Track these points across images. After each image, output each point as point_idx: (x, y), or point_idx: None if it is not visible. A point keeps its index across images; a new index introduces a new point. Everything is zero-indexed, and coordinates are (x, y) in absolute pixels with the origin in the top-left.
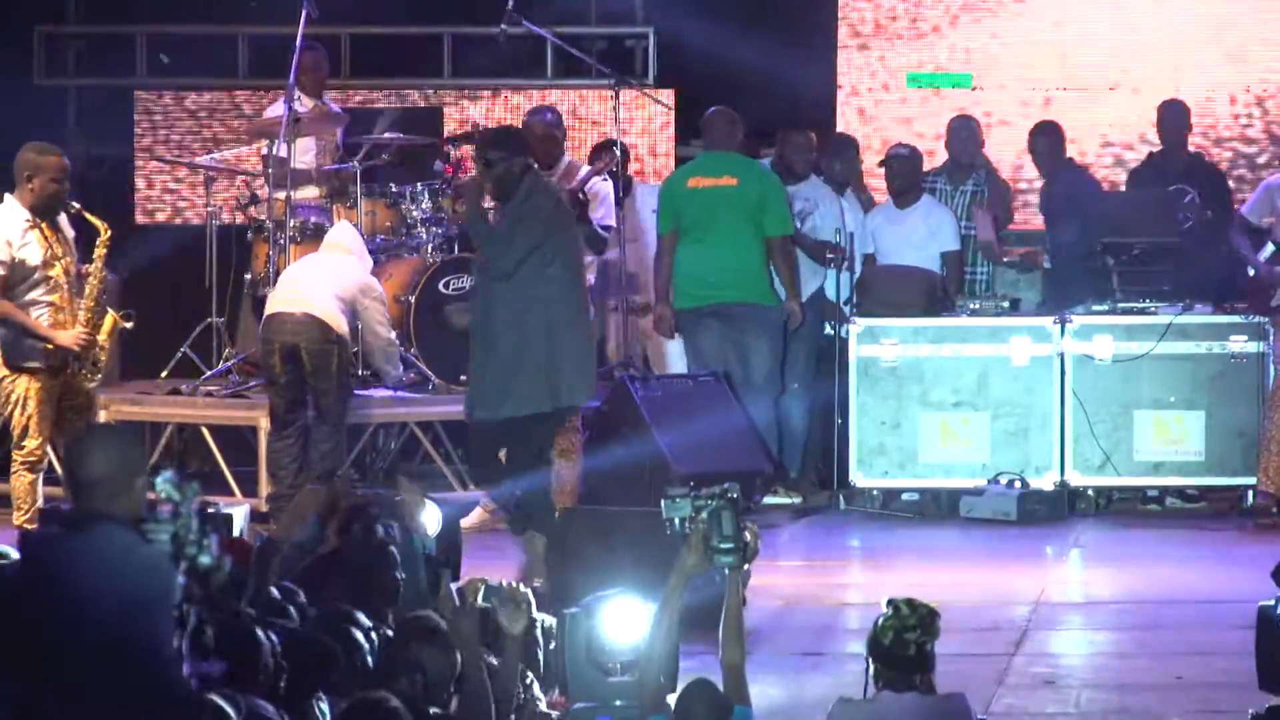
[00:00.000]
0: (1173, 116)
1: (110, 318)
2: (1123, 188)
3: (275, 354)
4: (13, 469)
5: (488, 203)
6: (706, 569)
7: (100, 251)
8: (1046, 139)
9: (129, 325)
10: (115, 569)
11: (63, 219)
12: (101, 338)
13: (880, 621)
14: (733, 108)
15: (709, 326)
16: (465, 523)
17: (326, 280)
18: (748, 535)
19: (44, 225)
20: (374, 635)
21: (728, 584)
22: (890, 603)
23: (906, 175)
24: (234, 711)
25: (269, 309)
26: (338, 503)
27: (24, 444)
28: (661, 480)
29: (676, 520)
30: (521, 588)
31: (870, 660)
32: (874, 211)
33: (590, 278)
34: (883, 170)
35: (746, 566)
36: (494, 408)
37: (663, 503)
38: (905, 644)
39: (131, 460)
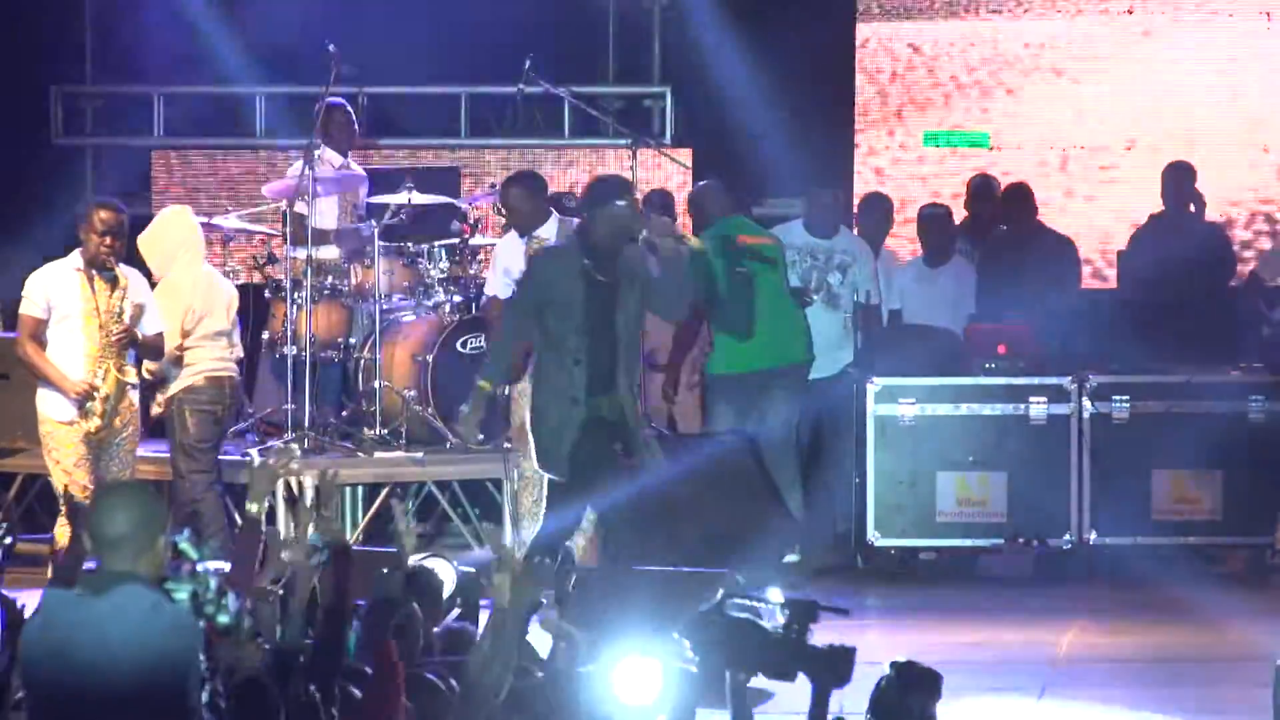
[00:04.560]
0: (1175, 178)
1: (115, 369)
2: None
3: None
4: (58, 522)
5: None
6: None
7: (116, 304)
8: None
9: (126, 378)
10: (140, 629)
11: (133, 276)
12: (105, 388)
13: (884, 683)
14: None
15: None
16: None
17: None
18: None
19: (97, 276)
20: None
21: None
22: (893, 665)
23: (940, 235)
24: None
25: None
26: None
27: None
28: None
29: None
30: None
31: None
32: (904, 268)
33: None
34: (915, 228)
35: None
36: None
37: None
38: (909, 707)
39: (153, 519)
